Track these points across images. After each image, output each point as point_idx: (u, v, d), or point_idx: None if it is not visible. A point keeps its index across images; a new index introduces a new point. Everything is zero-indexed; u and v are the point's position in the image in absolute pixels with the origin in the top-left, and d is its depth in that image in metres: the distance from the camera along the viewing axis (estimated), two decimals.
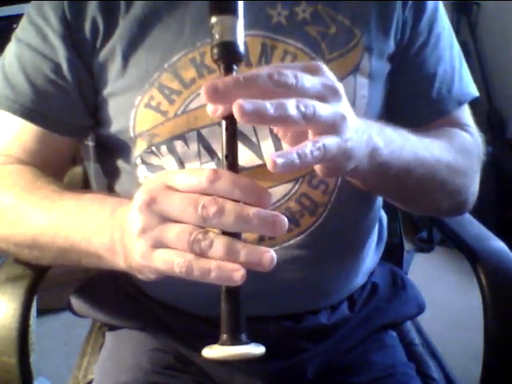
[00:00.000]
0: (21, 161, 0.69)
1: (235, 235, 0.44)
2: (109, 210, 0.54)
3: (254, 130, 0.65)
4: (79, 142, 0.75)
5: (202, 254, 0.42)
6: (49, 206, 0.60)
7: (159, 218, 0.44)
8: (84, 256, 0.57)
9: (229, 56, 0.46)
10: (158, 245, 0.44)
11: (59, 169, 0.74)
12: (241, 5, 0.47)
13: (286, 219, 0.43)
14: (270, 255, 0.43)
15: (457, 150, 0.68)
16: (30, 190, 0.63)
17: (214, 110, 0.44)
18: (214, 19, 0.47)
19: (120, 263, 0.51)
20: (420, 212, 0.79)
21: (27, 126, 0.68)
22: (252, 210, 0.42)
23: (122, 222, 0.49)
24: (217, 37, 0.46)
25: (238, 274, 0.42)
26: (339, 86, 0.48)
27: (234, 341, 0.44)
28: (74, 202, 0.59)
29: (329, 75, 0.47)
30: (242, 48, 0.47)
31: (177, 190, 0.44)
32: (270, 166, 0.42)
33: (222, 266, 0.42)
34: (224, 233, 0.44)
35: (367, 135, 0.52)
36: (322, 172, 0.50)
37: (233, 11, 0.47)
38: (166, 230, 0.44)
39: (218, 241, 0.42)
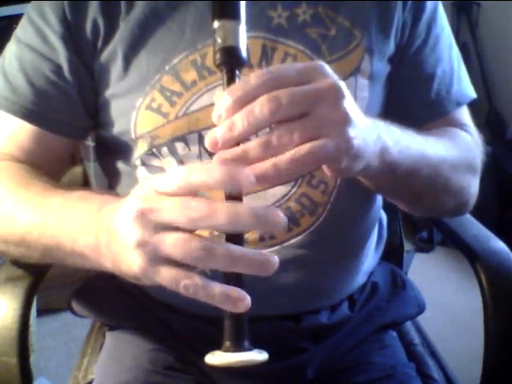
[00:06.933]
0: (16, 159, 0.69)
1: (237, 236, 0.43)
2: (94, 208, 0.52)
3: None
4: (78, 142, 0.75)
5: (199, 263, 0.41)
6: (37, 203, 0.59)
7: (154, 226, 0.43)
8: (69, 255, 0.56)
9: (231, 61, 0.46)
10: (157, 257, 0.43)
11: (56, 168, 0.73)
12: (243, 9, 0.47)
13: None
14: (272, 261, 0.42)
15: (459, 150, 0.69)
16: (21, 186, 0.62)
17: (218, 117, 0.44)
18: (216, 24, 0.46)
19: (106, 265, 0.50)
20: (423, 213, 0.79)
21: (24, 124, 0.67)
22: (243, 208, 0.41)
23: (107, 224, 0.48)
24: (219, 41, 0.46)
25: (241, 304, 0.42)
26: (341, 85, 0.46)
27: (237, 347, 0.43)
28: (62, 200, 0.58)
29: (330, 74, 0.46)
30: (244, 53, 0.46)
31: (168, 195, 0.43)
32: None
33: (228, 294, 0.42)
34: (227, 237, 0.43)
35: (376, 134, 0.52)
36: (331, 172, 0.50)
37: (235, 16, 0.46)
38: (162, 240, 0.42)
39: (216, 250, 0.41)
